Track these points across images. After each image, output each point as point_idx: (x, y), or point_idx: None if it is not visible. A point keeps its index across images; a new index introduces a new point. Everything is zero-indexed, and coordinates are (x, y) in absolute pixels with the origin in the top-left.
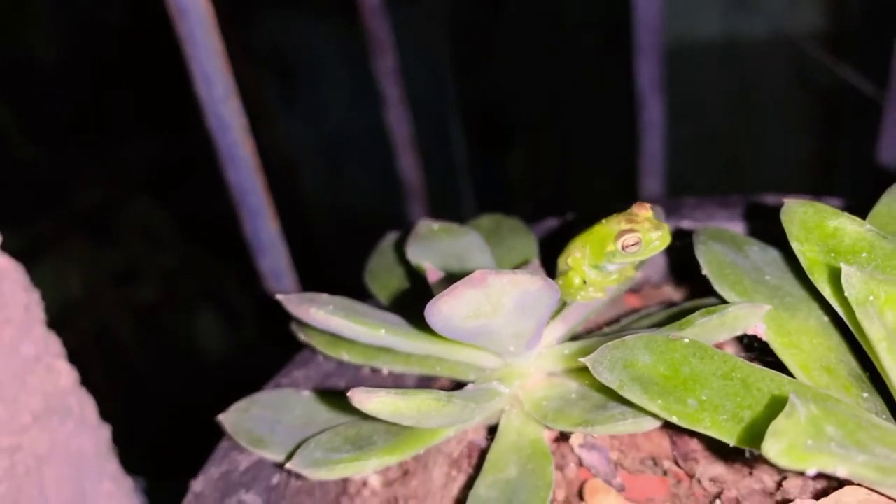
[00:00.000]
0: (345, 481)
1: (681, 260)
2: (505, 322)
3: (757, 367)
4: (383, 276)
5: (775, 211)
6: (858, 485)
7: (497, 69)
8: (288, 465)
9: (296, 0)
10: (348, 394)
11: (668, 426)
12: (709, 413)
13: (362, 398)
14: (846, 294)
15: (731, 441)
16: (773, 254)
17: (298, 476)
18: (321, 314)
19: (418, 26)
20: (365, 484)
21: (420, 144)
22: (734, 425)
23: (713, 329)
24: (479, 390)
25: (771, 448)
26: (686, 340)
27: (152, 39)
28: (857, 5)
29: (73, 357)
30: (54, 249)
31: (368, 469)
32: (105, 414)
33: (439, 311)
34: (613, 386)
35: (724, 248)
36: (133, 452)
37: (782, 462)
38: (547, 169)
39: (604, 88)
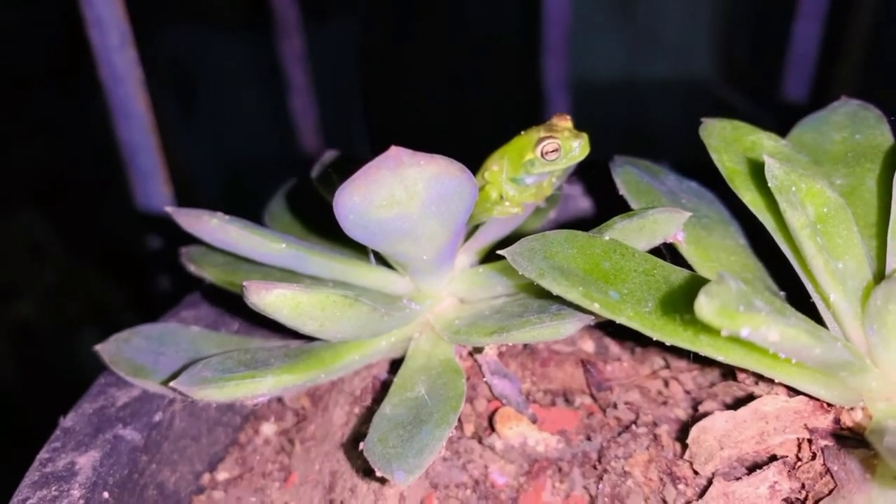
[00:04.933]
0: (235, 432)
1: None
2: (421, 214)
3: (678, 267)
4: (284, 216)
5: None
6: (776, 393)
7: (406, 94)
8: (172, 384)
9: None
10: (244, 283)
11: (581, 350)
12: (631, 304)
13: (260, 289)
14: (770, 184)
15: (655, 334)
16: (689, 184)
17: (184, 418)
18: (215, 222)
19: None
20: (257, 432)
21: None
22: (657, 318)
23: (632, 233)
24: (390, 305)
25: (705, 306)
26: (606, 238)
27: (43, 43)
28: (746, 46)
29: None
30: None
31: (263, 388)
32: None
33: (350, 197)
34: (532, 275)
35: (640, 172)
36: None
37: (716, 321)
38: None
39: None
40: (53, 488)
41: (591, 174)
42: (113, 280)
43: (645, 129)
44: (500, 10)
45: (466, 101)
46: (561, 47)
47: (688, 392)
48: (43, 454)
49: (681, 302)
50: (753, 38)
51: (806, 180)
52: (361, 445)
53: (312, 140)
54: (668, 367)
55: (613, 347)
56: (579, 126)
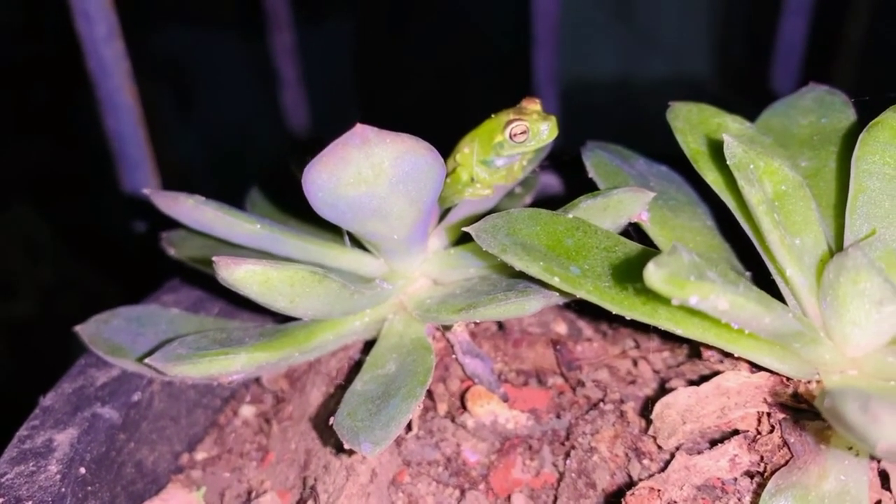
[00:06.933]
0: (215, 414)
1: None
2: (389, 192)
3: (641, 245)
4: (265, 203)
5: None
6: (739, 370)
7: (397, 89)
8: (147, 360)
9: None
10: (213, 259)
11: (553, 331)
12: (591, 279)
13: (229, 264)
14: (728, 162)
15: (614, 307)
16: (659, 168)
17: (163, 399)
18: (191, 202)
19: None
20: (236, 414)
21: None
22: (616, 293)
23: (597, 212)
24: (362, 284)
25: (653, 274)
26: (570, 216)
27: (42, 39)
28: (742, 44)
29: None
30: None
31: (237, 365)
32: None
33: (319, 175)
34: (495, 250)
35: (610, 156)
36: None
37: (664, 289)
38: None
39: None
40: (31, 464)
41: (568, 163)
42: (109, 275)
43: (639, 128)
44: (491, 5)
45: (457, 97)
46: (550, 41)
47: (656, 371)
48: (22, 432)
49: (641, 277)
50: (750, 36)
51: (764, 158)
52: (331, 421)
53: (304, 134)
54: (637, 347)
55: (586, 329)
56: (574, 124)
